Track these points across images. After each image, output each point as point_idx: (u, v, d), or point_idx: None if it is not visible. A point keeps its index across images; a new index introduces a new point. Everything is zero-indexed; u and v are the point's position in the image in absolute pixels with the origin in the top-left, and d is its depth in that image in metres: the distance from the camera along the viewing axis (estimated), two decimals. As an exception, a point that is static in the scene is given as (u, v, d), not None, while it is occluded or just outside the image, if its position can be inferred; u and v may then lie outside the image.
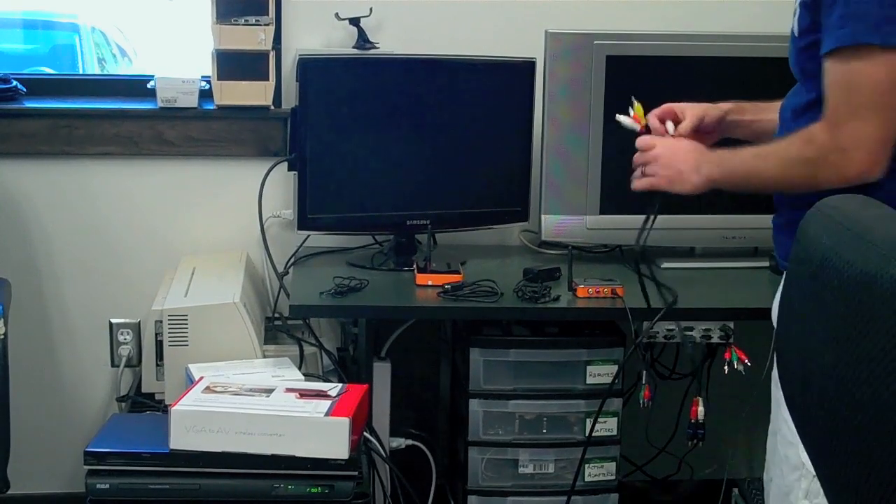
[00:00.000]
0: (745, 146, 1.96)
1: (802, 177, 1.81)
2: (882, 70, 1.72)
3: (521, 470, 2.54)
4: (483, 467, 2.54)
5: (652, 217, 2.10)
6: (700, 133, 2.10)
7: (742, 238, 2.72)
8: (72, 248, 2.87)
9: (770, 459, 2.14)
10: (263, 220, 2.74)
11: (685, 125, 2.09)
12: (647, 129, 2.10)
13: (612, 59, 2.63)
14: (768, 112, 2.09)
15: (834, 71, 1.76)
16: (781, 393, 1.94)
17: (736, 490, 2.71)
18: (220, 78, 2.74)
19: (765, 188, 1.94)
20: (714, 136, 2.12)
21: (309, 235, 2.75)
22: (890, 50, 1.71)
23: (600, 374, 2.49)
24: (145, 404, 2.48)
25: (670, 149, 2.03)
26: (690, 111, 2.11)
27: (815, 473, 1.77)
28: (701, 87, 2.65)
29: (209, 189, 2.89)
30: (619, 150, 2.68)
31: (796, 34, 1.85)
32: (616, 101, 2.58)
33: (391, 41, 2.81)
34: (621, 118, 2.13)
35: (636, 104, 2.12)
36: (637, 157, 2.07)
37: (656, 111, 2.12)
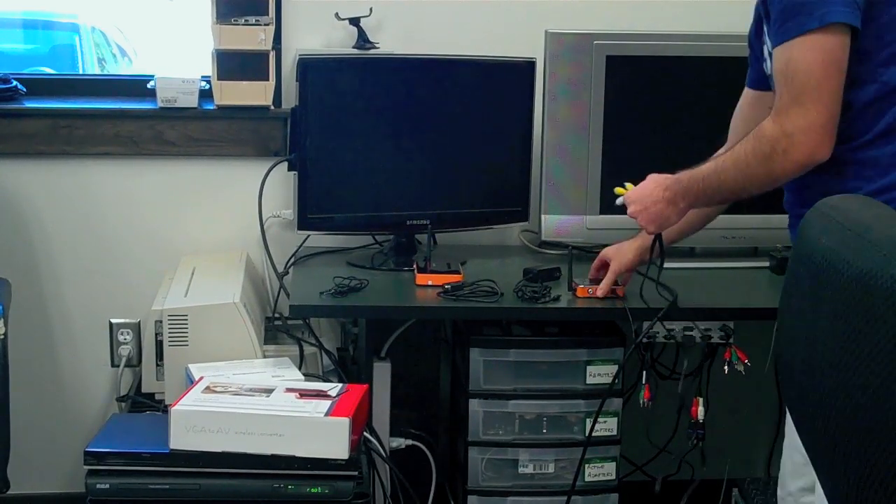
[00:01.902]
0: (705, 164, 2.03)
1: (760, 173, 1.89)
2: (814, 54, 1.79)
3: (521, 470, 2.54)
4: (483, 467, 2.54)
5: (659, 261, 2.25)
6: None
7: (742, 238, 2.72)
8: (72, 248, 2.87)
9: (788, 472, 2.09)
10: (263, 220, 2.74)
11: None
12: None
13: (612, 59, 2.63)
14: None
15: (776, 62, 1.84)
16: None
17: (736, 490, 2.71)
18: (220, 78, 2.74)
19: (734, 196, 2.02)
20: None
21: (309, 235, 2.75)
22: (826, 30, 1.78)
23: (600, 374, 2.49)
24: (145, 404, 2.48)
25: (640, 201, 2.14)
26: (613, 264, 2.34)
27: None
28: (701, 87, 2.67)
29: (209, 189, 2.89)
30: (619, 150, 2.69)
31: (754, 44, 1.97)
32: (616, 101, 2.59)
33: (391, 41, 2.81)
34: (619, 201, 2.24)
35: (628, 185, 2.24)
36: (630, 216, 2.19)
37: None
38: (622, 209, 2.20)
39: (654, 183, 2.12)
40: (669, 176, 2.10)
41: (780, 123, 1.83)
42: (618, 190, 2.24)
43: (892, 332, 0.93)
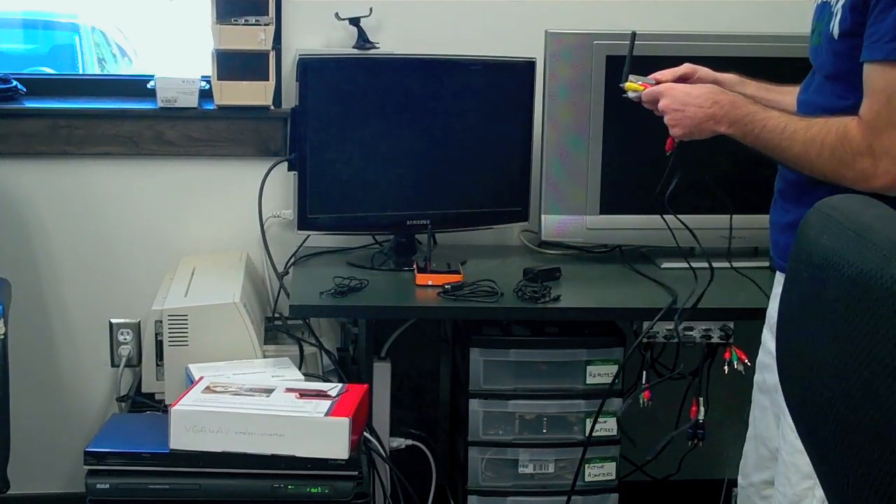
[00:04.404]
0: (773, 113, 1.89)
1: (827, 171, 1.80)
2: None
3: (521, 470, 2.54)
4: (483, 467, 2.54)
5: (676, 171, 2.09)
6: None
7: (742, 238, 2.71)
8: (72, 248, 2.87)
9: (752, 463, 2.13)
10: (263, 220, 2.74)
11: (664, 73, 2.09)
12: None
13: (612, 59, 2.63)
14: (772, 93, 2.08)
15: (878, 78, 1.73)
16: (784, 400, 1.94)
17: (736, 490, 2.71)
18: (220, 78, 2.74)
19: (784, 164, 1.91)
20: None
21: (309, 235, 2.75)
22: None
23: (600, 374, 2.49)
24: (145, 404, 2.48)
25: (680, 100, 1.99)
26: (683, 67, 2.11)
27: None
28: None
29: (209, 189, 2.89)
30: (619, 150, 2.69)
31: (835, 36, 1.80)
32: (616, 101, 2.58)
33: (391, 41, 2.81)
34: (630, 94, 2.10)
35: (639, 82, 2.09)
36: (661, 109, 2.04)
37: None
38: (635, 103, 2.05)
39: (706, 91, 1.96)
40: (728, 93, 1.96)
41: (870, 141, 1.73)
42: (629, 85, 2.07)
43: (892, 332, 0.93)
